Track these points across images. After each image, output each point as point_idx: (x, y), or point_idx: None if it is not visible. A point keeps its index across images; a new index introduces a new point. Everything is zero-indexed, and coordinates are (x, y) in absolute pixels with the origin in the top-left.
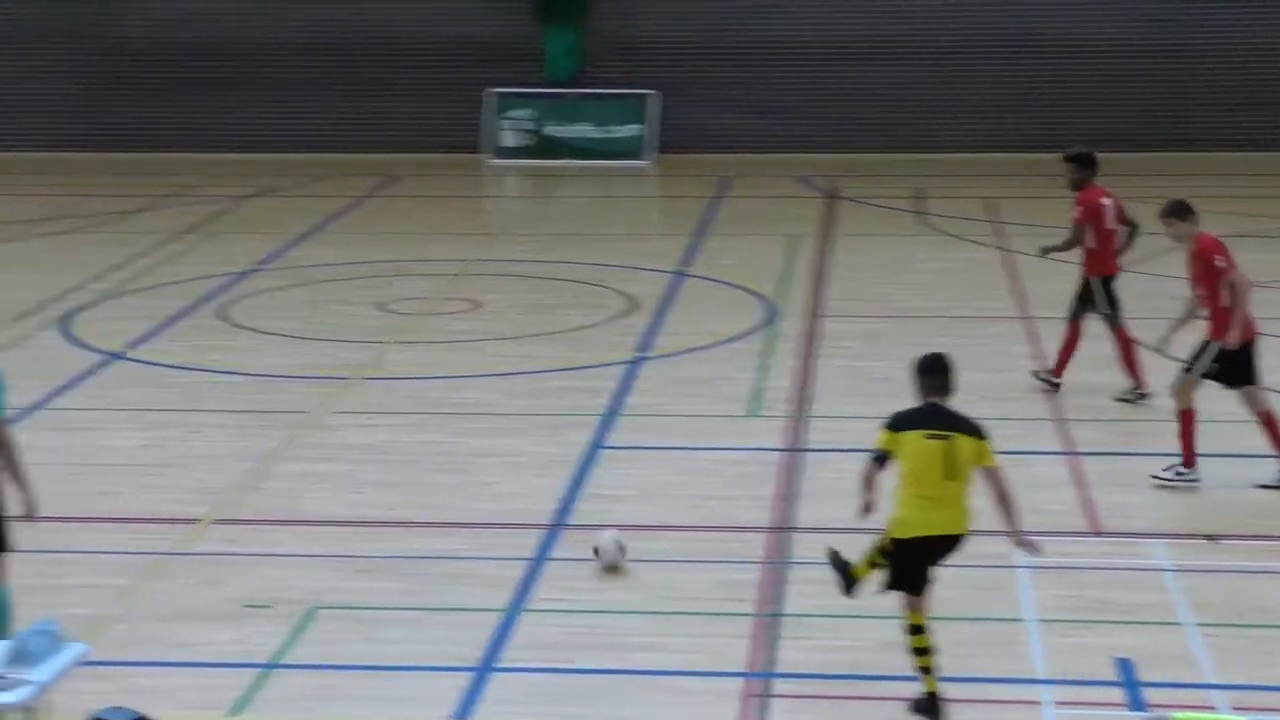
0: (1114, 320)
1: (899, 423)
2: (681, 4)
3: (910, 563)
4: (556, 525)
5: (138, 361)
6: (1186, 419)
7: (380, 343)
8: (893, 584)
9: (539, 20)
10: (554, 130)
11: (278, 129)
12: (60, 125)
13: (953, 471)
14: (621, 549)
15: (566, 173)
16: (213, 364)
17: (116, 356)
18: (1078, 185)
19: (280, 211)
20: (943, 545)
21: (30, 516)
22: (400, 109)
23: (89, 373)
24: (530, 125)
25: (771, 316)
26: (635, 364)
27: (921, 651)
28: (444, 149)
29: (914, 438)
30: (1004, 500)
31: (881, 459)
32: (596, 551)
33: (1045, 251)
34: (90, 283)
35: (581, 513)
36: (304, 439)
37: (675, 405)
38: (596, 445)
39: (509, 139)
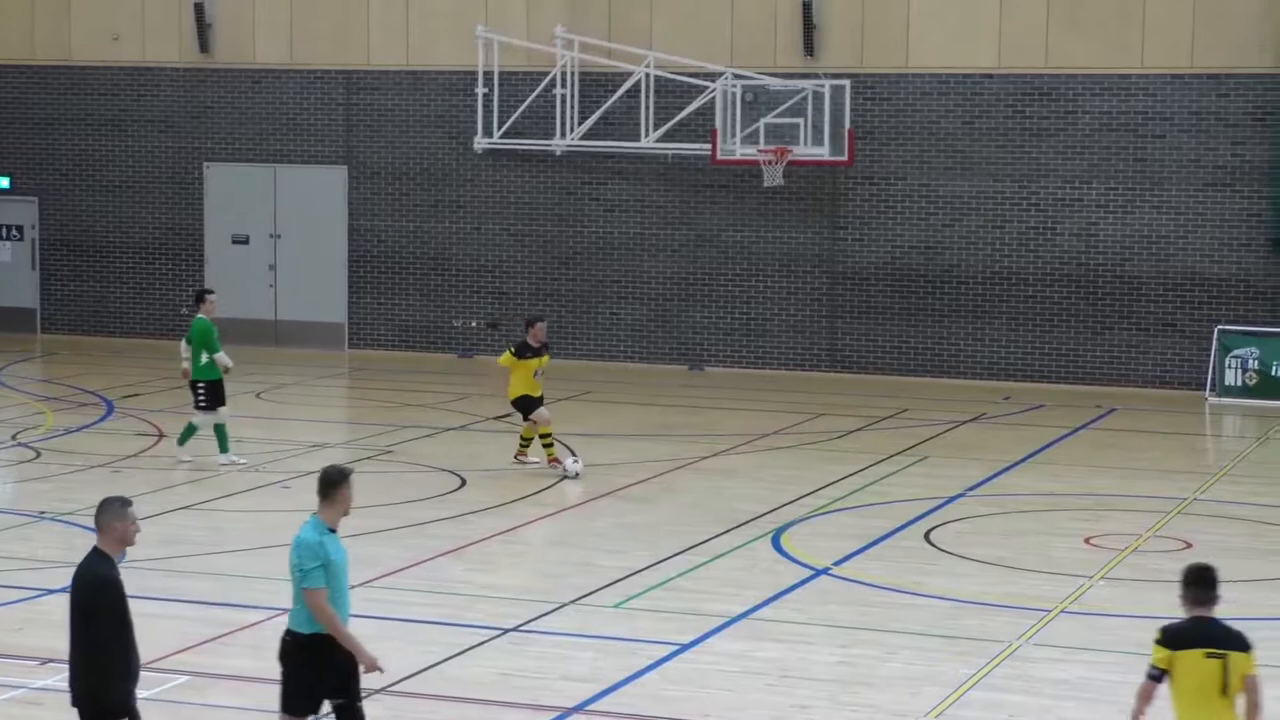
0: None
1: (1174, 640)
2: None
3: None
4: None
5: (841, 578)
6: None
7: (1084, 577)
8: None
9: (1277, 257)
10: None
11: (999, 356)
12: (799, 345)
13: (1228, 690)
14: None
15: None
16: (914, 586)
17: (821, 572)
18: None
19: (993, 438)
20: None
21: None
22: (1125, 342)
23: (794, 586)
24: (1256, 365)
25: None
26: None
27: None
28: (1163, 384)
29: (1193, 656)
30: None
31: (1159, 676)
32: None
33: None
34: (804, 497)
35: None
36: (999, 669)
37: None
38: None
39: (1232, 377)
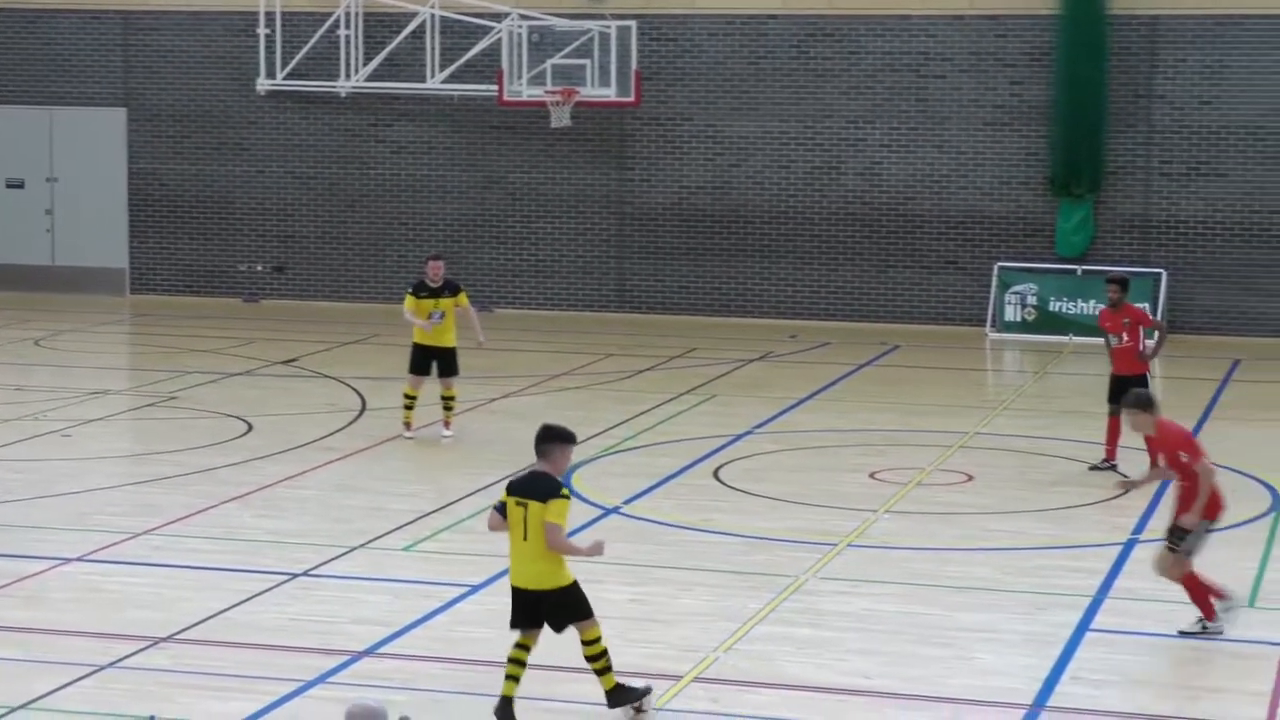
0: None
1: (509, 487)
2: (1195, 183)
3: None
4: (1037, 707)
5: (631, 517)
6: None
7: (869, 511)
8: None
9: (1054, 195)
10: (1059, 306)
11: (785, 295)
12: (588, 286)
13: (527, 535)
14: None
15: (1068, 349)
16: (703, 523)
17: (611, 511)
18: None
19: (781, 376)
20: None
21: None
22: (907, 280)
23: (584, 525)
24: (1034, 301)
25: (1277, 505)
26: (1129, 546)
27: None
28: (946, 321)
29: (511, 501)
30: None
31: (500, 508)
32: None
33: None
34: (593, 438)
35: (1063, 695)
36: (787, 603)
37: (1169, 590)
38: (1084, 627)
39: (1012, 313)
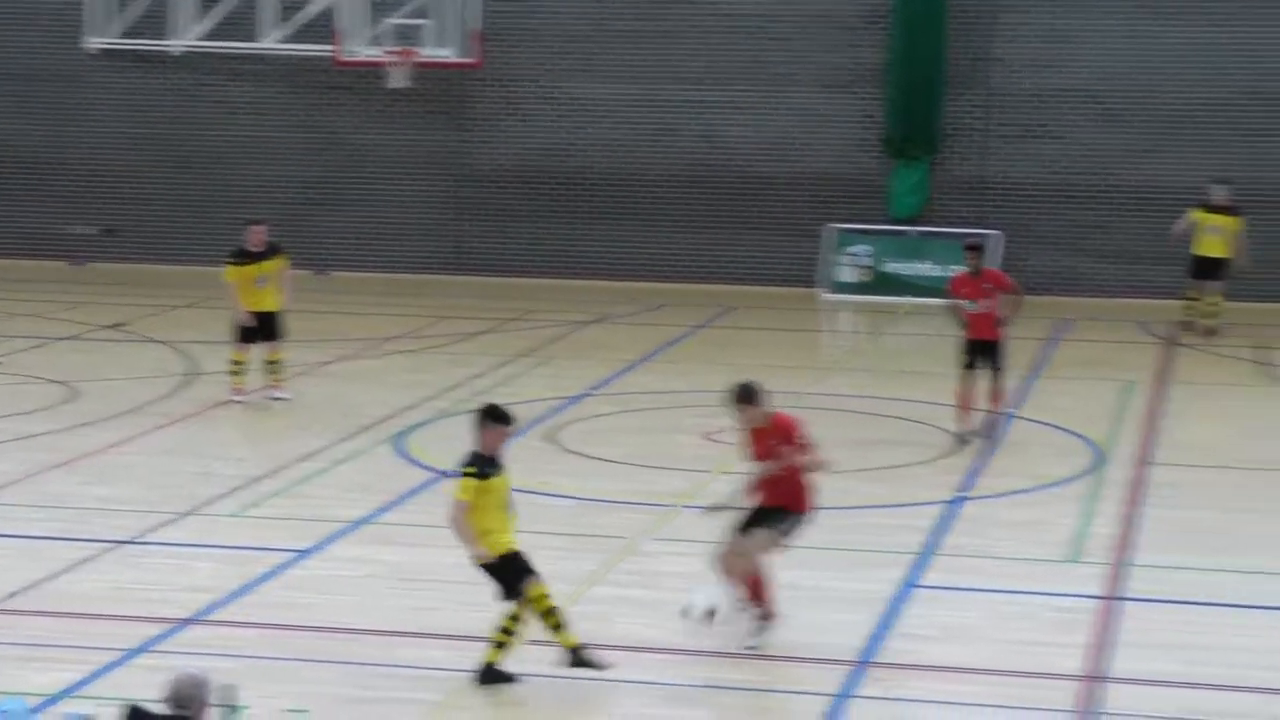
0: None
1: None
2: (1032, 145)
3: None
4: (862, 663)
5: None
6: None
7: (704, 471)
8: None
9: (889, 157)
10: (893, 267)
11: (622, 257)
12: (426, 249)
13: None
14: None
15: (902, 310)
16: (538, 486)
17: (445, 474)
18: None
19: (616, 338)
20: None
21: None
22: (743, 241)
23: (417, 489)
24: (869, 262)
25: (1099, 462)
26: (956, 504)
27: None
28: (782, 282)
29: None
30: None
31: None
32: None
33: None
34: (427, 401)
35: (889, 651)
36: (622, 564)
37: (994, 547)
38: (910, 584)
39: (846, 274)
